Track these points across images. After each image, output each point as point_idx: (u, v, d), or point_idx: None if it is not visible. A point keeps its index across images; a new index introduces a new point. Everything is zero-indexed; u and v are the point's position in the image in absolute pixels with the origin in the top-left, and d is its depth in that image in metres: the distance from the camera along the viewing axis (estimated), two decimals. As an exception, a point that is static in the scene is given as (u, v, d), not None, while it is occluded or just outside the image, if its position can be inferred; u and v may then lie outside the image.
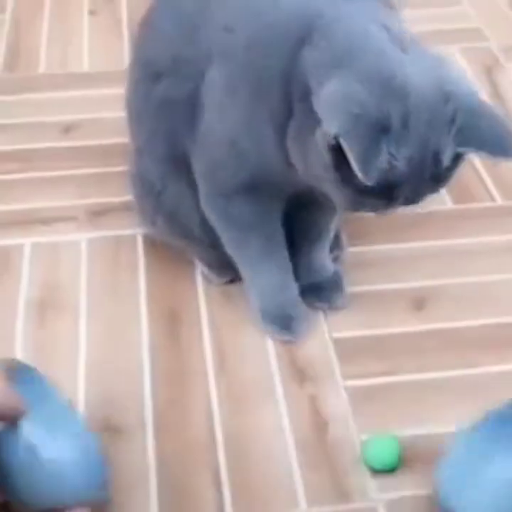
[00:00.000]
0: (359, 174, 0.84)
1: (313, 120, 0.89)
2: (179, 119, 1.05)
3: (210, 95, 1.01)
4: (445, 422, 1.02)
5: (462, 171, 1.39)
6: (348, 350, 1.12)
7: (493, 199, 1.36)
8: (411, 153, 0.88)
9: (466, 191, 1.38)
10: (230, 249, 1.11)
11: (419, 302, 1.18)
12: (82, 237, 1.28)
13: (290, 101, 0.93)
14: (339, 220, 1.17)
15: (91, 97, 1.55)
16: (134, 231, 1.27)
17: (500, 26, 1.80)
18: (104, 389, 1.06)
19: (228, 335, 1.14)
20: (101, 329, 1.14)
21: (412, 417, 1.03)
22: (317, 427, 1.02)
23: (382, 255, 1.26)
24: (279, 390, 1.07)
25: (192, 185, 1.09)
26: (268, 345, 1.12)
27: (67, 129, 1.50)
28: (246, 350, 1.12)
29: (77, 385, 1.07)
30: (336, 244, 1.21)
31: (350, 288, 1.20)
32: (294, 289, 1.13)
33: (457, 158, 0.92)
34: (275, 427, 1.02)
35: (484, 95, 1.59)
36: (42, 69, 1.67)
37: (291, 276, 1.13)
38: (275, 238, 1.10)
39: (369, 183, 0.85)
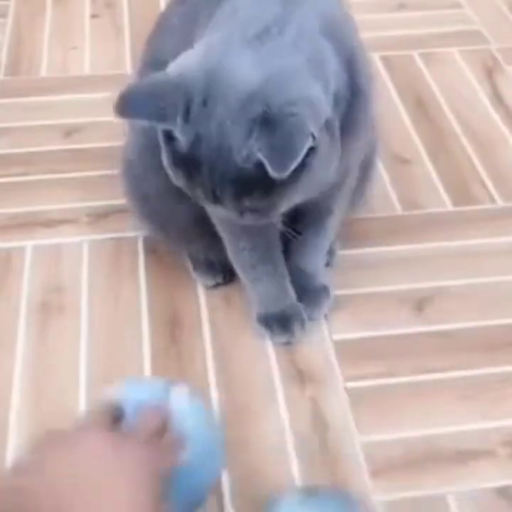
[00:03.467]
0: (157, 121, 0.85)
1: None
2: None
3: None
4: (445, 423, 1.02)
5: (462, 171, 1.42)
6: (348, 352, 1.12)
7: (493, 201, 1.37)
8: (197, 133, 0.84)
9: (466, 193, 1.38)
10: (231, 254, 1.12)
11: (419, 304, 1.18)
12: (83, 239, 1.29)
13: None
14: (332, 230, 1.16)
15: (92, 101, 1.56)
16: (135, 233, 1.28)
17: (501, 29, 1.80)
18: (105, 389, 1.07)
19: (229, 337, 1.14)
20: (102, 331, 1.15)
21: (412, 418, 1.03)
22: (317, 428, 1.03)
23: (382, 257, 1.26)
24: (280, 391, 1.07)
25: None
26: (268, 347, 1.13)
27: (69, 133, 1.50)
28: (247, 353, 1.12)
29: (78, 386, 1.07)
30: (328, 250, 1.21)
31: (350, 290, 1.20)
32: (291, 292, 1.14)
33: (261, 167, 0.83)
34: (276, 428, 1.02)
35: (484, 97, 1.59)
36: (43, 73, 1.68)
37: (288, 281, 1.13)
38: (273, 244, 1.10)
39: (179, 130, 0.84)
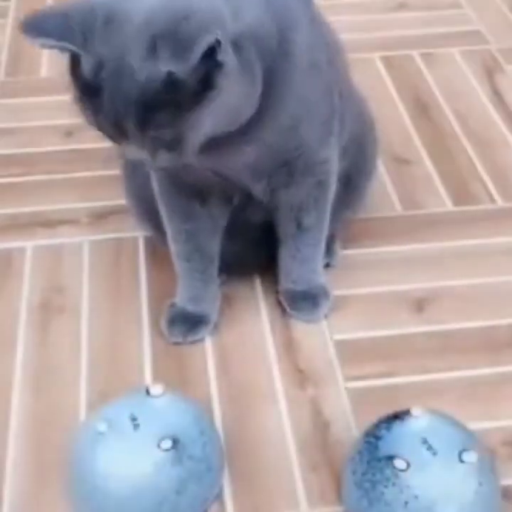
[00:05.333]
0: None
1: None
2: None
3: None
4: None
5: (462, 171, 1.42)
6: (348, 352, 1.12)
7: (493, 201, 1.37)
8: (99, 55, 0.81)
9: (466, 193, 1.38)
10: (168, 238, 1.12)
11: (419, 304, 1.18)
12: (83, 239, 1.29)
13: None
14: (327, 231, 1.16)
15: (93, 101, 1.55)
16: (135, 234, 1.28)
17: (501, 29, 1.80)
18: (105, 390, 1.07)
19: (229, 336, 1.14)
20: (102, 331, 1.15)
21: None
22: (318, 428, 1.03)
23: (383, 257, 1.26)
24: (280, 391, 1.07)
25: None
26: (269, 346, 1.13)
27: (69, 133, 1.50)
28: (247, 352, 1.12)
29: (78, 386, 1.07)
30: (326, 252, 1.21)
31: (350, 290, 1.20)
32: (210, 298, 1.14)
33: (167, 86, 0.80)
34: (276, 428, 1.03)
35: (484, 97, 1.59)
36: (43, 73, 1.68)
37: (213, 285, 1.13)
38: (204, 251, 1.11)
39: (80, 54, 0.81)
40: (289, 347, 1.13)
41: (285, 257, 1.14)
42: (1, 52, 1.73)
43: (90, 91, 0.83)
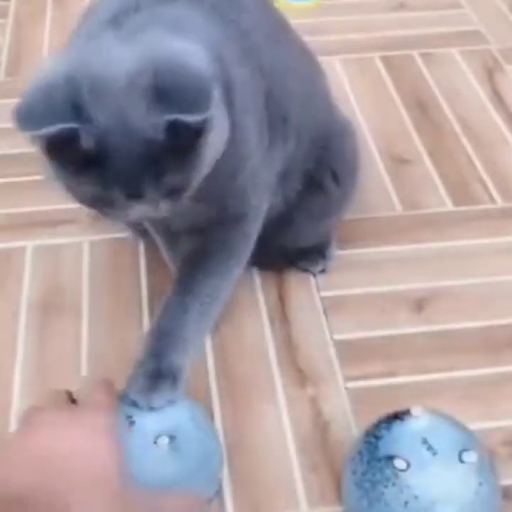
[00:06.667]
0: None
1: None
2: None
3: None
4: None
5: (462, 171, 1.42)
6: (348, 352, 1.12)
7: (493, 201, 1.37)
8: (99, 124, 0.78)
9: (466, 193, 1.38)
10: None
11: (419, 304, 1.18)
12: (84, 239, 1.29)
13: None
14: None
15: (93, 101, 1.55)
16: (133, 238, 1.28)
17: (501, 29, 1.80)
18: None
19: (229, 336, 1.14)
20: (103, 331, 1.15)
21: (413, 418, 1.04)
22: (318, 428, 1.03)
23: (382, 257, 1.26)
24: (280, 391, 1.07)
25: None
26: (269, 346, 1.13)
27: (69, 133, 1.50)
28: (247, 352, 1.12)
29: (79, 386, 1.07)
30: (322, 256, 1.22)
31: (350, 290, 1.20)
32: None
33: (171, 132, 0.79)
34: (276, 428, 1.03)
35: (484, 97, 1.59)
36: (44, 73, 1.68)
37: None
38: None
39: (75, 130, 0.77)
40: (288, 347, 1.13)
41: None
42: (1, 52, 1.73)
43: (94, 162, 0.80)
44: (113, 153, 0.79)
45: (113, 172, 0.80)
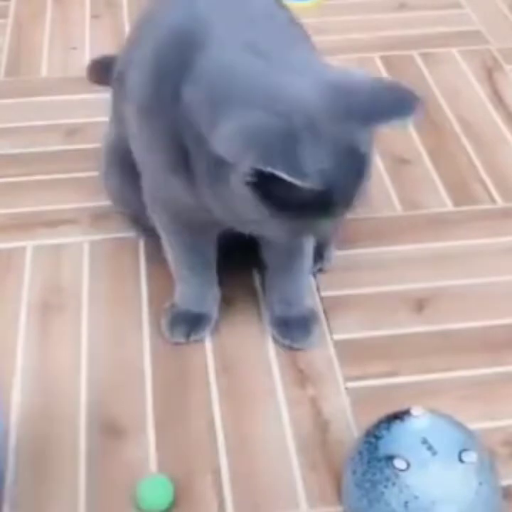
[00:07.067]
0: (299, 182, 0.80)
1: (223, 167, 0.85)
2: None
3: (128, 119, 1.01)
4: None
5: (462, 171, 1.42)
6: (348, 352, 1.12)
7: (493, 201, 1.37)
8: (329, 152, 0.83)
9: (466, 193, 1.38)
10: (165, 250, 1.13)
11: (419, 304, 1.18)
12: (84, 239, 1.29)
13: (185, 147, 0.90)
14: (314, 243, 1.14)
15: (93, 101, 1.56)
16: (136, 233, 1.28)
17: (501, 29, 1.80)
18: (105, 390, 1.07)
19: (229, 336, 1.14)
20: (103, 331, 1.15)
21: (413, 418, 1.03)
22: (318, 428, 1.03)
23: (383, 257, 1.26)
24: (280, 391, 1.07)
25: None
26: (269, 346, 1.13)
27: (70, 133, 1.50)
28: (247, 352, 1.12)
29: (79, 387, 1.07)
30: (320, 256, 1.21)
31: (350, 290, 1.20)
32: (208, 305, 1.14)
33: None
34: (276, 428, 1.03)
35: (484, 97, 1.59)
36: (44, 73, 1.68)
37: (210, 294, 1.14)
38: (202, 253, 1.11)
39: (311, 185, 0.81)
40: (288, 346, 1.13)
41: (274, 277, 1.14)
42: (1, 52, 1.73)
43: (321, 200, 0.84)
44: (339, 173, 0.84)
45: (336, 192, 0.85)
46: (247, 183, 0.84)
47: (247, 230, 0.94)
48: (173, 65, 0.91)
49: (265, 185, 0.83)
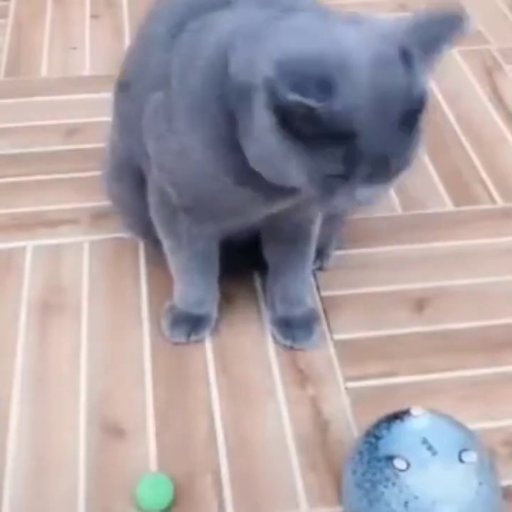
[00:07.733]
0: (317, 103, 0.76)
1: (252, 101, 0.83)
2: (135, 134, 1.04)
3: (147, 122, 1.00)
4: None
5: (463, 171, 1.42)
6: (348, 352, 1.12)
7: (493, 201, 1.37)
8: (358, 102, 0.79)
9: (466, 193, 1.38)
10: (167, 255, 1.12)
11: (419, 304, 1.18)
12: (84, 239, 1.29)
13: (229, 109, 0.88)
14: (316, 242, 1.15)
15: (93, 101, 1.56)
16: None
17: (501, 29, 1.80)
18: (105, 389, 1.07)
19: (229, 336, 1.14)
20: (103, 330, 1.15)
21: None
22: (318, 428, 1.03)
23: (383, 257, 1.26)
24: (280, 390, 1.07)
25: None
26: (269, 346, 1.13)
27: (70, 133, 1.50)
28: (247, 352, 1.12)
29: (79, 386, 1.07)
30: (320, 254, 1.21)
31: (350, 290, 1.20)
32: (209, 306, 1.14)
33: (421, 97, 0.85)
34: (276, 428, 1.03)
35: (484, 97, 1.59)
36: (44, 73, 1.68)
37: (211, 295, 1.14)
38: (206, 256, 1.11)
39: (328, 106, 0.77)
40: (288, 346, 1.13)
41: (276, 277, 1.14)
42: (1, 52, 1.73)
43: (342, 139, 0.79)
44: (370, 122, 0.79)
45: (366, 139, 0.79)
46: (274, 107, 0.80)
47: (287, 198, 0.92)
48: (218, 66, 0.89)
49: (289, 113, 0.79)
